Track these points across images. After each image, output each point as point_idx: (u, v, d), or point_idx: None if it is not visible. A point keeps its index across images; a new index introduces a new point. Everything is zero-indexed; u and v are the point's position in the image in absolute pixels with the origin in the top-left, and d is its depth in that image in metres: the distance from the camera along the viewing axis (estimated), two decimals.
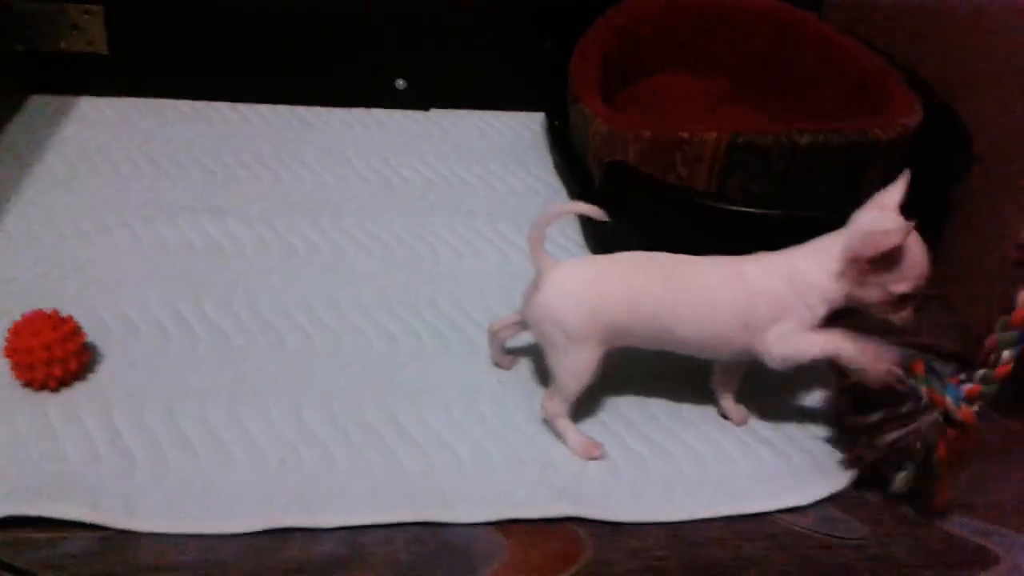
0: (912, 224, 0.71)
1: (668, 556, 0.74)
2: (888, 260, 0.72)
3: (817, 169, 0.91)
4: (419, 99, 1.33)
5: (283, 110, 1.30)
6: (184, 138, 1.21)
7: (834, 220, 0.91)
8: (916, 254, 0.74)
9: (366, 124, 1.29)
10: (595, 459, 0.80)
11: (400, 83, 1.32)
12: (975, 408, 0.73)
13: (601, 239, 1.06)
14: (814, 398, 0.89)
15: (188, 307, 0.92)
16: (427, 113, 1.33)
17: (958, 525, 0.78)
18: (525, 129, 1.32)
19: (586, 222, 1.08)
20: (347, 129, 1.28)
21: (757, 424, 0.85)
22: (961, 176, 0.97)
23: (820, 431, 0.85)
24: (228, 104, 1.29)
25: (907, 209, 0.74)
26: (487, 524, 0.74)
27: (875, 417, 0.75)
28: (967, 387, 0.73)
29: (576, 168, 1.13)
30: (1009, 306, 0.71)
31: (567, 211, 0.83)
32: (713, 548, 0.75)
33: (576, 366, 0.79)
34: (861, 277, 0.74)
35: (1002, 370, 0.72)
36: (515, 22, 1.31)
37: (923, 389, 0.74)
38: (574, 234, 1.09)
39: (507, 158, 1.24)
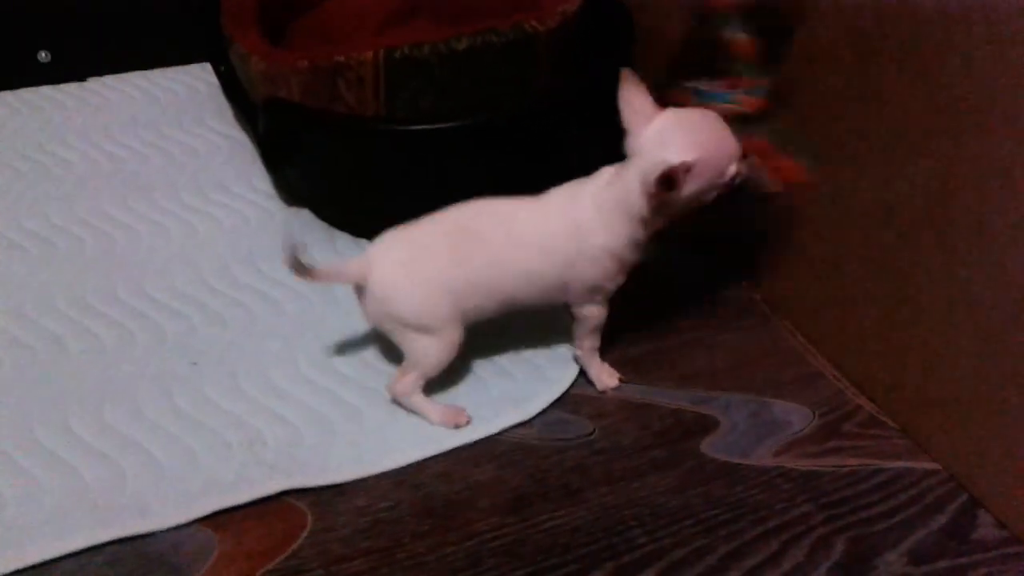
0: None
1: (397, 504, 0.70)
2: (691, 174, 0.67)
3: (482, 74, 0.87)
4: (71, 70, 1.19)
5: None
6: None
7: (503, 124, 0.89)
8: (715, 151, 0.68)
9: (13, 107, 1.14)
10: (461, 426, 0.75)
11: (44, 55, 1.17)
12: (752, 95, 0.74)
13: (289, 186, 0.99)
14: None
15: None
16: (84, 84, 1.19)
17: (676, 398, 0.80)
18: (200, 82, 1.20)
19: (272, 171, 1.00)
20: None
21: (481, 347, 0.82)
22: (630, 52, 0.97)
23: (543, 337, 0.83)
24: None
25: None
26: (193, 523, 0.67)
27: None
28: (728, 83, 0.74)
29: (250, 114, 1.04)
30: None
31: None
32: (441, 484, 0.72)
33: (436, 349, 0.73)
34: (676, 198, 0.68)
35: (740, 47, 0.73)
36: None
37: None
38: (262, 184, 1.01)
39: (182, 118, 1.13)
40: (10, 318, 0.83)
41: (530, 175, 0.95)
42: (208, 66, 1.21)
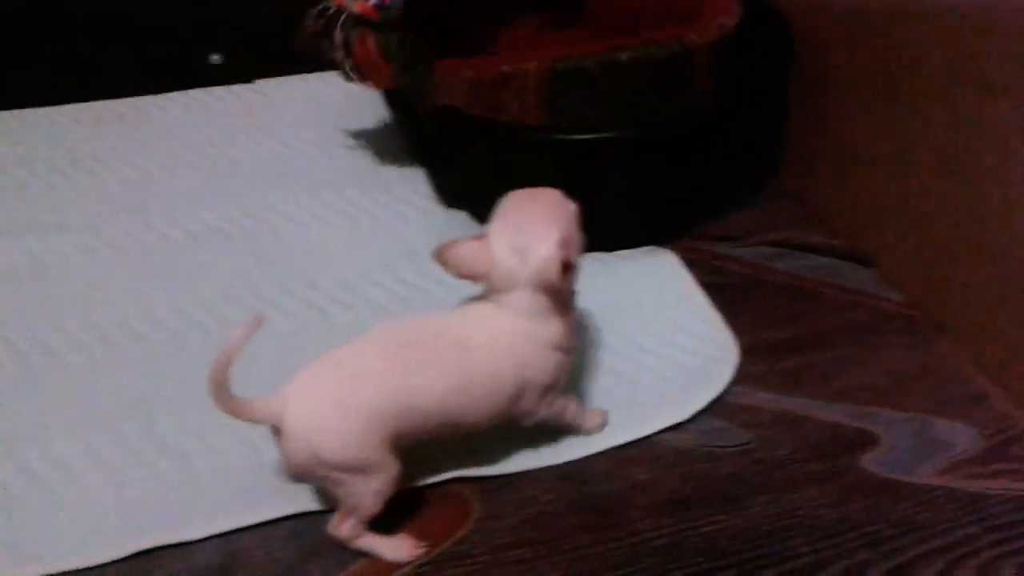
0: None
1: (558, 498, 0.72)
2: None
3: (642, 85, 0.89)
4: (240, 71, 1.26)
5: (96, 106, 1.21)
6: None
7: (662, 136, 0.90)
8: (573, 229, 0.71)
9: (186, 107, 1.21)
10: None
11: (215, 58, 1.24)
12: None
13: (449, 188, 1.02)
14: (676, 309, 0.88)
15: (17, 333, 0.85)
16: (252, 85, 1.26)
17: (834, 412, 0.79)
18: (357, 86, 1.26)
19: (433, 174, 1.04)
20: (165, 116, 1.19)
21: (625, 347, 0.84)
22: (789, 67, 0.97)
23: (688, 341, 0.85)
24: (31, 110, 1.19)
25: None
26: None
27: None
28: None
29: (412, 119, 1.08)
30: None
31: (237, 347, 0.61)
32: (602, 482, 0.74)
33: (373, 489, 0.65)
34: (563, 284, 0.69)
35: None
36: None
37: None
38: (422, 186, 1.05)
39: (344, 121, 1.19)
40: (192, 303, 0.89)
41: (683, 187, 0.97)
42: None
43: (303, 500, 0.71)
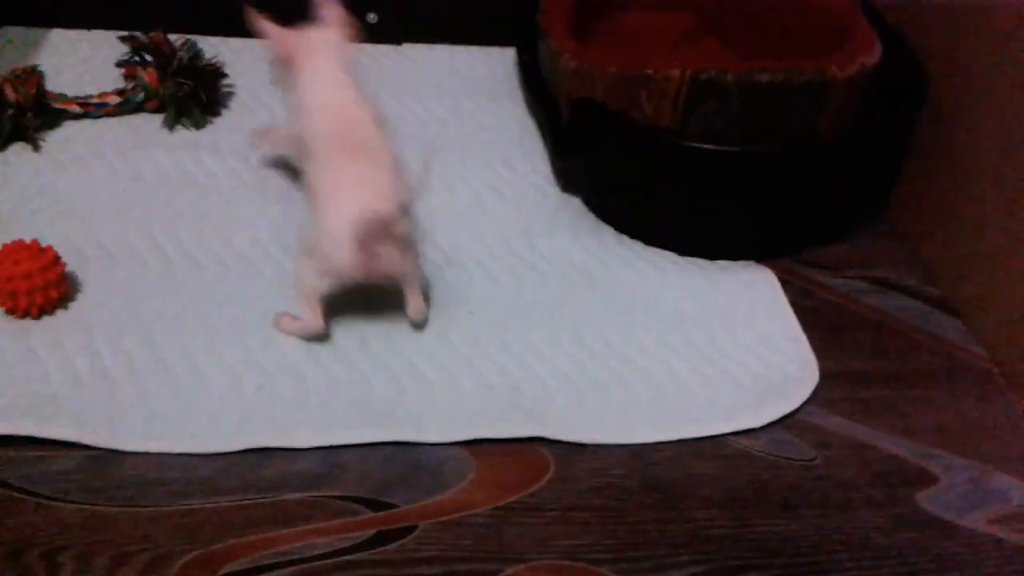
0: None
1: (627, 474, 0.78)
2: None
3: (776, 106, 0.94)
4: (391, 33, 1.34)
5: (259, 45, 1.29)
6: None
7: (792, 156, 0.96)
8: None
9: None
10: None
11: (372, 17, 1.32)
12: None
13: (567, 174, 1.08)
14: (766, 324, 0.93)
15: (164, 237, 0.94)
16: (399, 48, 1.34)
17: (899, 446, 0.83)
18: (498, 64, 1.33)
19: (555, 157, 1.11)
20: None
21: (712, 350, 0.89)
22: (918, 111, 1.01)
23: (772, 356, 0.89)
24: (203, 37, 1.28)
25: None
26: (457, 444, 0.78)
27: None
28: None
29: (546, 104, 1.15)
30: None
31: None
32: (668, 467, 0.79)
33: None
34: None
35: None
36: None
37: None
38: (542, 167, 1.11)
39: (479, 94, 1.25)
40: None
41: (795, 210, 1.01)
42: (506, 51, 1.34)
43: (400, 430, 0.78)
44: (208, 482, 0.74)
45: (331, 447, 0.77)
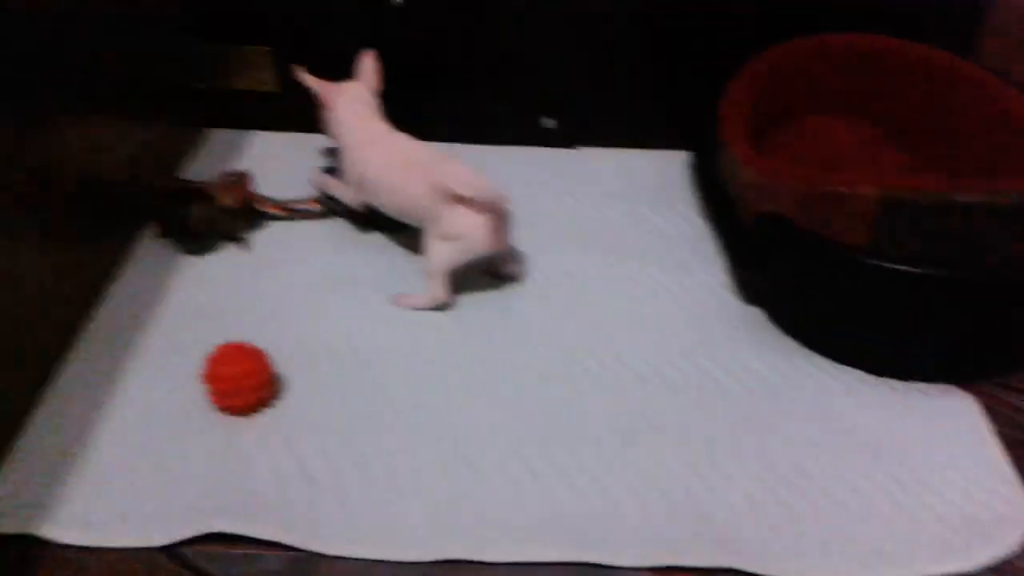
0: None
1: None
2: None
3: (971, 229, 0.91)
4: (565, 137, 1.37)
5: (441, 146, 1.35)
6: None
7: (999, 284, 0.92)
8: None
9: (514, 161, 1.34)
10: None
11: (550, 123, 1.36)
12: None
13: (749, 285, 1.07)
14: (970, 456, 0.88)
15: (361, 339, 0.99)
16: (572, 151, 1.37)
17: None
18: (670, 167, 1.34)
19: (736, 269, 1.10)
20: (495, 166, 1.32)
21: (912, 483, 0.85)
22: None
23: (978, 492, 0.85)
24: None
25: None
26: (648, 570, 0.77)
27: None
28: None
29: (722, 211, 1.15)
30: None
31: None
32: None
33: None
34: None
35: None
36: (659, 61, 1.34)
37: None
38: (722, 276, 1.11)
39: (653, 198, 1.26)
40: (536, 346, 1.00)
41: (996, 334, 0.97)
42: (677, 154, 1.35)
43: (592, 552, 0.78)
44: None
45: (522, 563, 0.77)
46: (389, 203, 1.06)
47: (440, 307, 1.02)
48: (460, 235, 0.99)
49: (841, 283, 0.95)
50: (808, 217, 0.97)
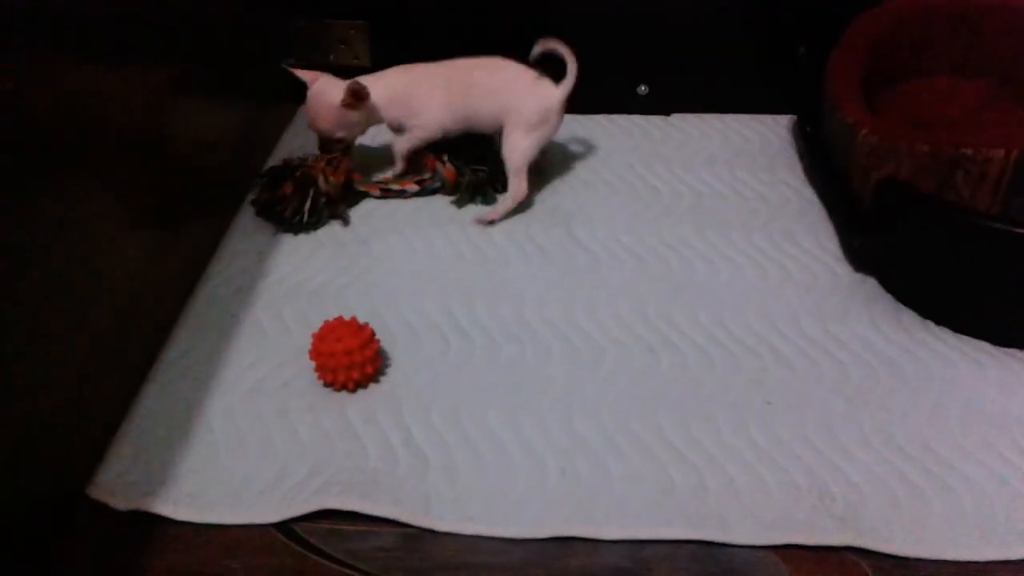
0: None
1: None
2: None
3: None
4: (660, 104, 1.34)
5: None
6: None
7: None
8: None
9: (608, 131, 1.31)
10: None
11: (643, 89, 1.33)
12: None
13: (860, 253, 1.03)
14: None
15: (461, 312, 0.98)
16: (668, 118, 1.34)
17: None
18: (772, 134, 1.30)
19: (847, 235, 1.06)
20: (590, 135, 1.30)
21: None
22: None
23: None
24: None
25: None
26: (765, 548, 0.75)
27: None
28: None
29: (832, 177, 1.10)
30: None
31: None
32: None
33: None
34: None
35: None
36: (757, 25, 1.29)
37: None
38: (829, 244, 1.07)
39: (755, 165, 1.23)
40: (609, 318, 0.97)
41: None
42: (780, 119, 1.31)
43: (707, 530, 0.76)
44: (515, 570, 0.74)
45: (636, 541, 0.76)
46: (472, 117, 1.13)
47: (522, 203, 1.12)
48: (542, 118, 1.09)
49: (967, 250, 0.91)
50: (930, 181, 0.92)
